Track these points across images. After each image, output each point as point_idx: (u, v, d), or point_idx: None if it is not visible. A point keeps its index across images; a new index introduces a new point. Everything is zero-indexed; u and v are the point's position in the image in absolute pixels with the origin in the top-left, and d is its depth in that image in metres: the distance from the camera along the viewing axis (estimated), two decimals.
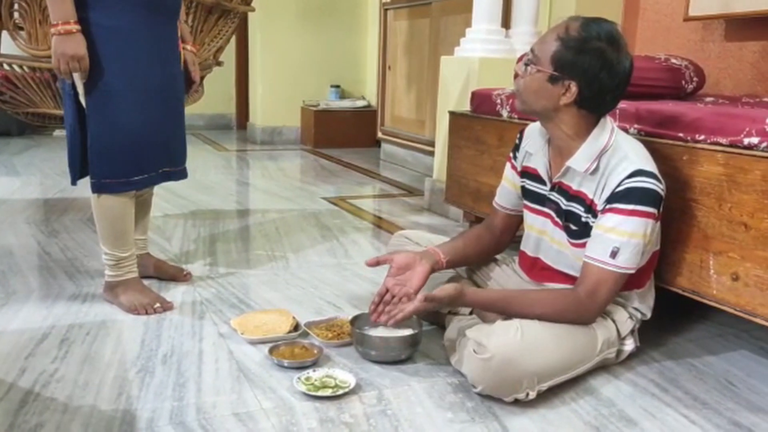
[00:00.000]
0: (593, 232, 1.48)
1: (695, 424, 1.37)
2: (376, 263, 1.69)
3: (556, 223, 1.61)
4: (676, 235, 1.64)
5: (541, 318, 1.45)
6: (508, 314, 1.49)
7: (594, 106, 1.49)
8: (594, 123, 1.52)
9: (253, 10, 3.06)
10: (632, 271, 1.47)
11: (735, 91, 2.69)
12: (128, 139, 1.79)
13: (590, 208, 1.51)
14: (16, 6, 2.54)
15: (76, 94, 1.79)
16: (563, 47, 1.44)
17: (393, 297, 1.59)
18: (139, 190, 1.90)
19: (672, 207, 1.61)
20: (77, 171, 1.87)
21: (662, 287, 1.70)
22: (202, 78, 3.07)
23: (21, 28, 2.59)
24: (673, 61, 2.20)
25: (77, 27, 1.66)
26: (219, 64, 3.13)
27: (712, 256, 1.57)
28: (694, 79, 2.21)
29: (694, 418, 1.39)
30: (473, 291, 1.57)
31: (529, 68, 1.50)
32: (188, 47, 2.02)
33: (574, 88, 1.45)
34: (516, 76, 1.73)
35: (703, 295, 1.60)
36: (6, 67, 2.61)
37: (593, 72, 1.43)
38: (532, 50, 1.51)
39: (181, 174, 2.02)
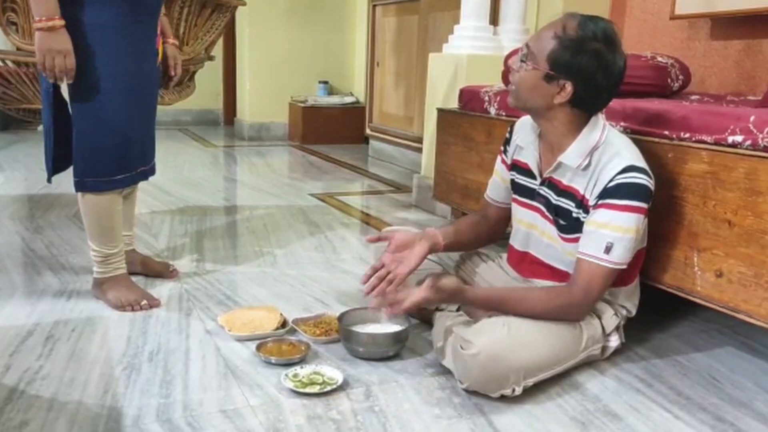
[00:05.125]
0: (585, 228, 1.49)
1: (679, 419, 1.38)
2: (377, 239, 1.72)
3: (545, 217, 1.62)
4: (661, 232, 1.66)
5: (536, 316, 1.46)
6: (504, 312, 1.48)
7: (588, 105, 1.50)
8: (586, 120, 1.52)
9: (245, 4, 3.07)
10: (624, 267, 1.48)
11: (720, 89, 2.72)
12: (115, 136, 1.78)
13: (581, 204, 1.52)
14: (9, 1, 2.51)
15: (55, 92, 1.77)
16: (560, 46, 1.44)
17: (388, 273, 1.59)
18: (120, 189, 1.88)
19: (657, 204, 1.62)
20: (51, 168, 1.88)
21: (647, 284, 1.71)
22: (194, 73, 3.06)
23: (14, 23, 2.56)
24: (659, 59, 2.21)
25: (61, 22, 1.63)
26: (210, 58, 3.12)
27: (696, 253, 1.58)
28: (680, 77, 2.22)
29: (678, 413, 1.41)
30: (471, 289, 1.60)
31: (524, 64, 1.50)
32: (170, 41, 2.00)
33: (569, 88, 1.45)
34: (505, 72, 1.74)
35: (688, 292, 1.62)
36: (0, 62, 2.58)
37: (589, 73, 1.43)
38: (527, 46, 1.51)
39: (151, 170, 2.01)
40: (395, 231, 1.71)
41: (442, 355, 1.53)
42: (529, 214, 1.67)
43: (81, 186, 1.80)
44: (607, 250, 1.45)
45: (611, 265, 1.46)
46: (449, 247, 1.74)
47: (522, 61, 1.50)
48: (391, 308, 1.51)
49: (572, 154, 1.52)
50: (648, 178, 1.46)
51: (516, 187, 1.71)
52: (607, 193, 1.46)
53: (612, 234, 1.44)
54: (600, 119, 1.54)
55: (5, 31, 2.55)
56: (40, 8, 1.61)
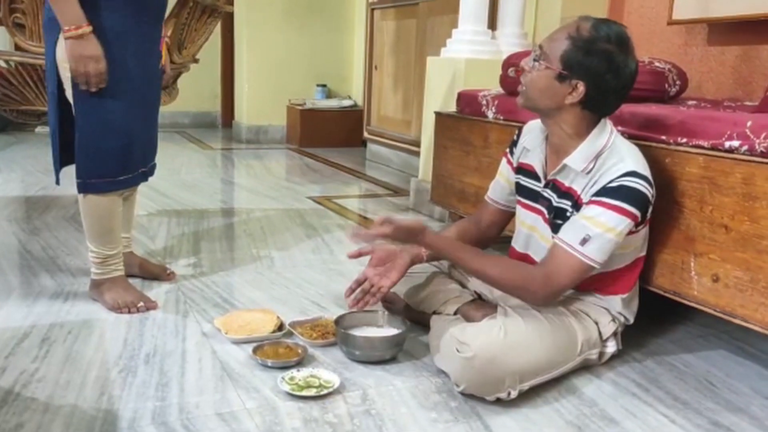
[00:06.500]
0: (572, 218, 1.50)
1: (675, 424, 1.38)
2: (358, 255, 1.72)
3: (546, 220, 1.62)
4: (657, 237, 1.66)
5: (489, 281, 1.52)
6: (459, 266, 1.53)
7: (598, 107, 1.50)
8: (594, 123, 1.53)
9: (232, 10, 3.13)
10: (596, 266, 1.46)
11: (717, 94, 2.72)
12: (118, 138, 1.79)
13: (576, 203, 1.52)
14: (15, 2, 2.52)
15: (60, 94, 1.78)
16: (573, 47, 1.45)
17: (372, 286, 1.64)
18: (122, 190, 1.89)
19: (654, 209, 1.62)
20: (59, 171, 1.88)
21: (644, 288, 1.71)
22: (178, 76, 3.09)
23: (21, 25, 2.56)
24: (657, 64, 2.22)
25: (89, 28, 1.64)
26: (195, 61, 3.14)
27: (693, 258, 1.59)
28: (677, 82, 2.23)
29: (675, 417, 1.41)
30: (433, 233, 1.60)
31: (536, 64, 1.51)
32: (166, 40, 2.02)
33: (581, 88, 1.46)
34: (504, 76, 1.73)
35: (684, 296, 1.62)
36: (2, 63, 2.58)
37: (600, 73, 1.44)
38: (540, 47, 1.52)
39: (150, 171, 2.02)
40: (376, 245, 1.71)
41: (439, 357, 1.53)
42: (531, 216, 1.67)
43: (84, 187, 1.80)
44: (583, 241, 1.44)
45: (582, 258, 1.44)
46: (433, 257, 1.73)
47: (535, 60, 1.51)
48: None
49: (578, 158, 1.52)
50: (648, 186, 1.46)
51: (520, 190, 1.71)
52: (603, 191, 1.46)
53: (592, 228, 1.44)
54: (608, 124, 1.54)
55: (12, 32, 2.55)
56: (67, 16, 1.62)
